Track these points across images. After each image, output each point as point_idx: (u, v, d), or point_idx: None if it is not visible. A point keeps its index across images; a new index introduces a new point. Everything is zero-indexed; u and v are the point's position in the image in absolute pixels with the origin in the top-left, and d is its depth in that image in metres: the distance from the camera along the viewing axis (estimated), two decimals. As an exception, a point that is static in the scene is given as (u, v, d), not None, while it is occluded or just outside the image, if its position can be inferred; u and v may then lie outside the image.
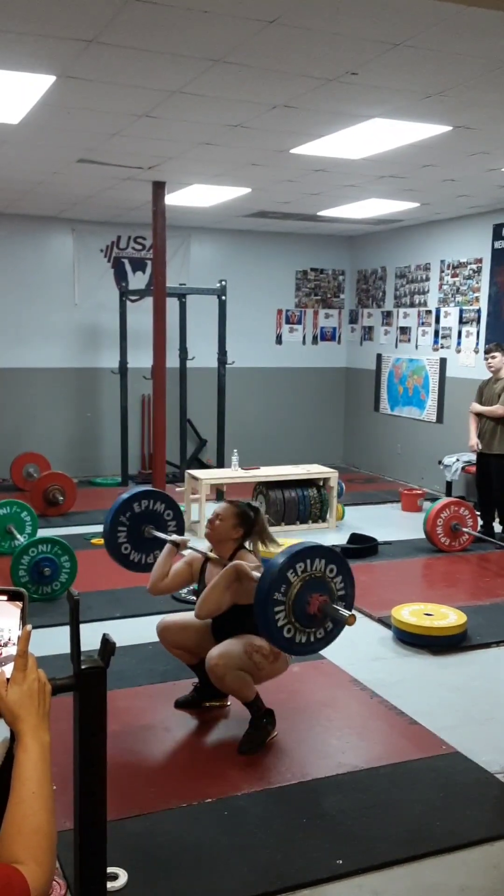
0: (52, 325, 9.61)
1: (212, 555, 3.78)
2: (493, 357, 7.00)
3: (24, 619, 1.41)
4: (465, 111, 4.70)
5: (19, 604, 1.42)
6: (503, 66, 3.92)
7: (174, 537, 4.01)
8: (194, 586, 5.47)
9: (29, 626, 1.38)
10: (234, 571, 3.52)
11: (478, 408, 7.11)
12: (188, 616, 3.87)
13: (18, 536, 6.34)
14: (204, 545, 3.91)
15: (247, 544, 3.78)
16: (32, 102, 4.63)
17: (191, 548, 3.94)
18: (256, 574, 3.37)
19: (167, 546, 3.95)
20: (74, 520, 7.71)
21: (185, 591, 5.60)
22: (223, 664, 3.52)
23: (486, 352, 7.15)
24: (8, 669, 1.37)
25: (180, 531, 4.30)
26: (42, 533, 6.37)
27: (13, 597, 1.42)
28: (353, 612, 3.19)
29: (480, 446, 7.07)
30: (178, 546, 3.94)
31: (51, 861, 1.21)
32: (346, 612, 3.14)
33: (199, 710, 3.97)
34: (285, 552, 3.20)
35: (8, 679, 1.35)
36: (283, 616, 3.15)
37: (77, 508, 8.02)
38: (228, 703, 4.00)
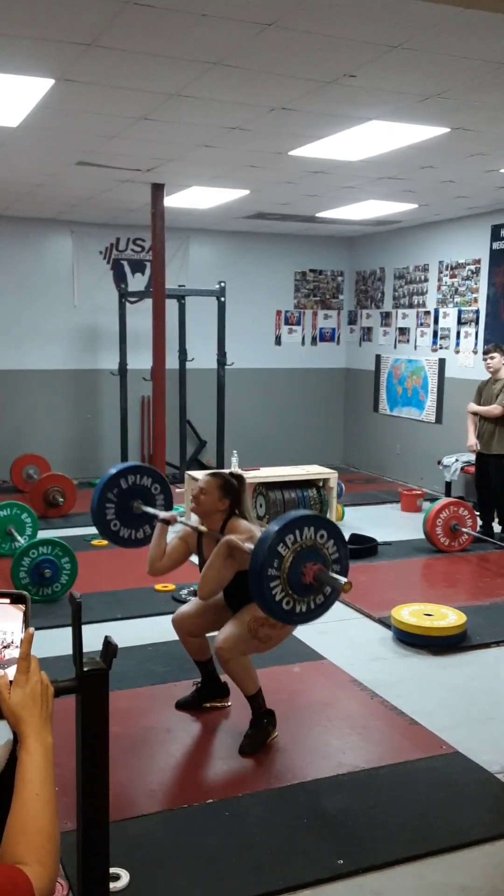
0: (52, 326, 9.62)
1: (203, 528, 3.74)
2: (492, 357, 7.01)
3: (26, 623, 1.42)
4: (463, 113, 4.71)
5: (22, 607, 1.43)
6: (501, 67, 3.93)
7: (163, 514, 3.96)
8: (194, 587, 5.51)
9: (32, 630, 1.39)
10: (225, 548, 3.49)
11: (474, 407, 7.12)
12: (200, 602, 3.87)
13: (19, 538, 6.35)
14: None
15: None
16: (31, 105, 4.64)
17: (181, 522, 3.91)
18: (249, 545, 3.33)
19: (158, 525, 3.90)
20: (75, 521, 7.71)
21: (184, 592, 5.61)
22: (227, 648, 3.54)
23: (485, 352, 7.16)
24: (11, 672, 1.38)
25: (168, 505, 4.26)
26: (42, 534, 6.38)
27: (16, 600, 1.43)
28: (349, 579, 3.16)
29: (479, 446, 7.08)
30: (169, 522, 3.89)
31: (55, 862, 1.22)
32: (341, 579, 3.12)
33: (199, 710, 3.98)
34: (274, 525, 3.16)
35: (11, 681, 1.36)
36: (279, 590, 3.13)
37: (77, 510, 8.02)
38: (229, 704, 4.01)
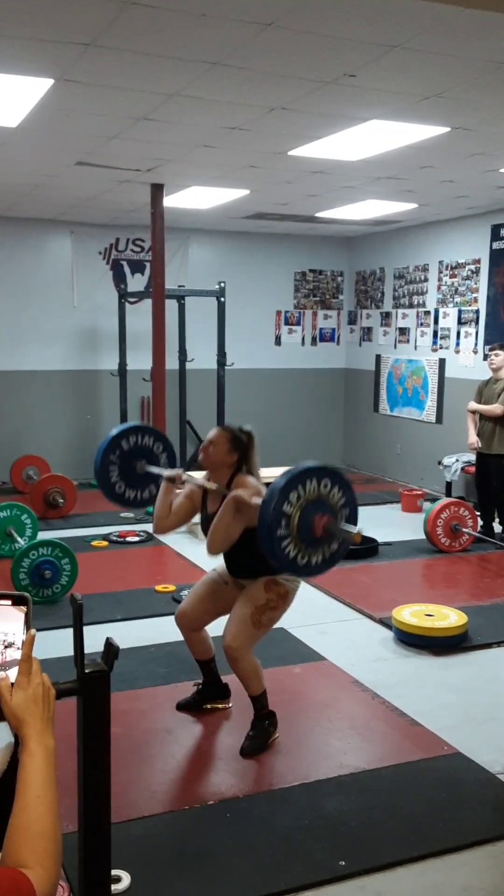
0: (52, 327, 9.61)
1: (210, 485, 3.69)
2: (497, 355, 6.98)
3: (28, 624, 1.42)
4: (462, 112, 4.70)
5: (23, 608, 1.42)
6: (501, 67, 3.93)
7: (168, 472, 3.92)
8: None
9: (33, 631, 1.39)
10: (233, 504, 3.46)
11: (475, 406, 7.10)
12: (197, 589, 3.86)
13: (19, 539, 6.34)
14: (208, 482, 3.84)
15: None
16: (31, 106, 4.63)
17: (188, 479, 3.87)
18: (257, 500, 3.30)
19: (163, 483, 3.87)
20: (75, 522, 7.71)
21: (185, 593, 5.60)
22: (236, 647, 3.54)
23: (490, 349, 7.14)
24: (12, 674, 1.37)
25: (172, 464, 4.24)
26: (42, 535, 6.38)
27: (17, 602, 1.43)
28: (359, 530, 3.15)
29: (480, 444, 7.05)
30: (174, 480, 3.86)
31: (56, 865, 1.21)
32: (352, 529, 3.11)
33: (200, 712, 3.98)
34: (274, 486, 3.12)
35: (12, 684, 1.35)
36: (291, 548, 3.11)
37: (77, 511, 8.03)
38: (230, 705, 4.00)
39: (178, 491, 3.88)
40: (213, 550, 3.56)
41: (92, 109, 4.74)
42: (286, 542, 3.09)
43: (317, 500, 3.14)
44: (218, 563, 3.87)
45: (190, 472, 3.99)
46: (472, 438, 7.08)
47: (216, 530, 3.51)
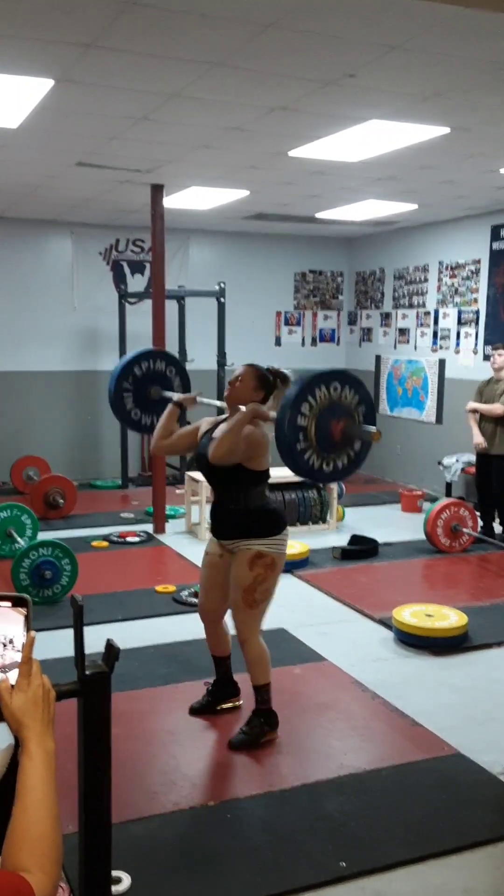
0: (52, 328, 9.61)
1: (223, 404, 3.68)
2: (501, 355, 6.96)
3: (28, 626, 1.41)
4: (463, 113, 4.70)
5: (23, 610, 1.42)
6: (501, 67, 3.92)
7: (180, 396, 3.89)
8: (194, 589, 5.50)
9: (33, 633, 1.39)
10: (252, 411, 3.39)
11: (474, 405, 7.07)
12: (203, 581, 3.86)
13: (19, 540, 6.34)
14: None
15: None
16: (31, 106, 4.63)
17: (203, 402, 3.83)
18: (273, 413, 3.28)
19: (169, 406, 3.87)
20: (75, 522, 7.71)
21: (185, 593, 5.60)
22: (242, 630, 3.61)
23: (494, 348, 7.11)
24: (12, 676, 1.37)
25: (186, 388, 4.23)
26: (43, 536, 6.38)
27: (17, 603, 1.43)
28: (376, 429, 3.16)
29: (486, 444, 7.00)
30: (182, 405, 3.85)
31: (56, 869, 1.21)
32: (371, 429, 3.12)
33: (210, 714, 3.95)
34: (285, 400, 3.13)
35: (12, 686, 1.35)
36: (314, 458, 3.11)
37: (77, 511, 8.02)
38: (241, 702, 3.99)
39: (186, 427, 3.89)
40: (215, 455, 3.46)
41: (92, 110, 4.73)
42: (308, 454, 3.09)
43: (330, 406, 3.13)
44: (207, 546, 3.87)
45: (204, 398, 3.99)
46: (478, 438, 7.03)
47: (226, 436, 3.42)
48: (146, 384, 4.20)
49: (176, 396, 3.92)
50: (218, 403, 3.71)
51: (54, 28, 3.48)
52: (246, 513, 3.56)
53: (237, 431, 3.41)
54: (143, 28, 3.46)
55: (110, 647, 1.70)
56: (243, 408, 3.47)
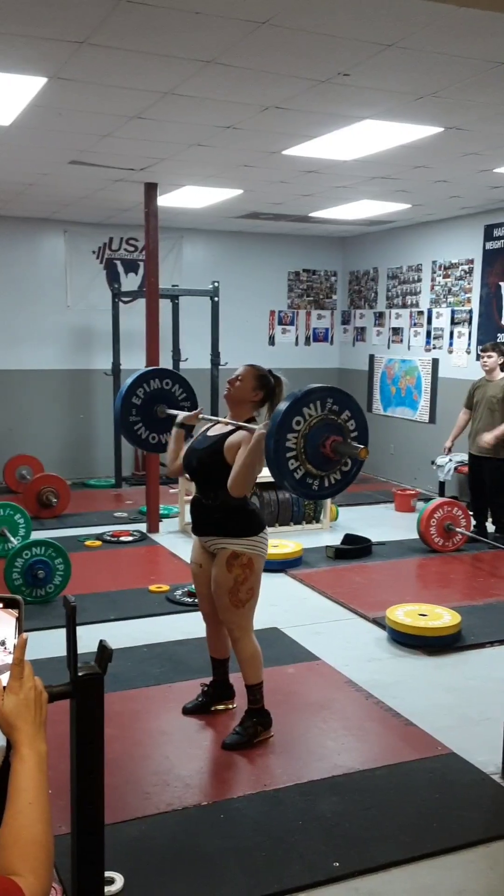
0: (45, 326, 9.58)
1: (224, 420, 3.67)
2: (490, 357, 6.97)
3: (20, 628, 1.40)
4: (457, 112, 4.70)
5: (15, 612, 1.41)
6: (496, 66, 3.92)
7: (182, 416, 3.92)
8: (188, 588, 5.49)
9: (25, 635, 1.37)
10: (262, 437, 3.31)
11: (489, 438, 6.81)
12: (196, 589, 3.85)
13: (12, 539, 6.32)
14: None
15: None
16: (24, 104, 4.61)
17: (204, 418, 3.86)
18: None
19: (174, 429, 3.90)
20: (68, 522, 7.69)
21: (179, 593, 5.59)
22: (233, 629, 3.62)
23: (483, 350, 7.11)
24: (4, 678, 1.36)
25: (193, 406, 4.26)
26: (36, 535, 6.36)
27: (9, 604, 1.41)
28: (364, 447, 3.17)
29: (451, 446, 7.31)
30: (183, 425, 3.87)
31: (48, 872, 1.20)
32: (357, 446, 3.14)
33: (203, 714, 3.94)
34: (276, 413, 3.15)
35: (4, 688, 1.34)
36: (301, 471, 3.14)
37: (71, 510, 8.01)
38: (234, 706, 3.98)
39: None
40: (237, 490, 3.42)
41: (85, 108, 4.72)
42: (295, 465, 3.11)
43: (322, 422, 3.15)
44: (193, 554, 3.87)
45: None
46: (449, 443, 7.40)
47: (245, 472, 3.38)
48: (152, 403, 4.26)
49: (179, 416, 3.93)
50: (221, 420, 3.72)
51: (47, 25, 3.47)
52: (224, 511, 3.55)
53: (253, 464, 3.38)
54: (136, 25, 3.45)
55: (103, 648, 1.69)
56: (249, 426, 3.47)
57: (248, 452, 3.36)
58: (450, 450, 7.42)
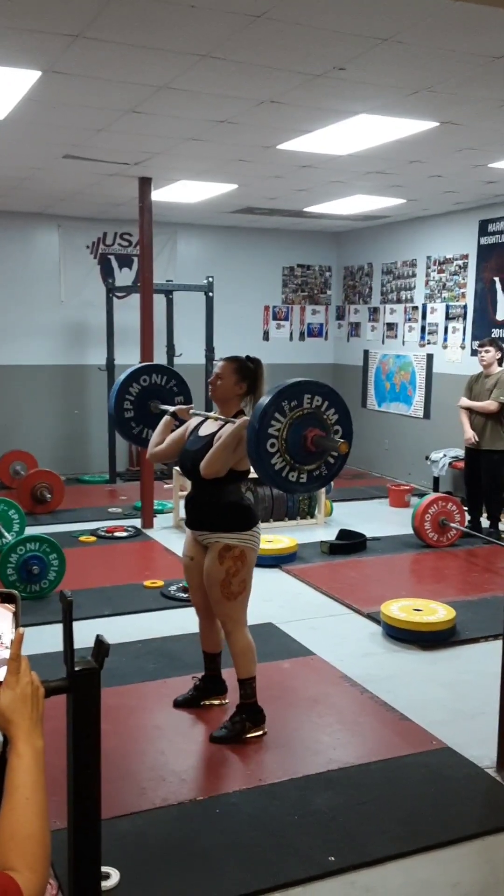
0: (39, 322, 9.56)
1: (213, 416, 3.68)
2: (487, 351, 6.97)
3: (16, 622, 1.40)
4: (452, 107, 4.70)
5: (11, 607, 1.40)
6: (491, 61, 3.92)
7: (173, 408, 3.94)
8: (183, 584, 5.49)
9: (21, 630, 1.37)
10: (243, 424, 3.37)
11: (468, 402, 7.06)
12: (188, 582, 3.86)
13: (6, 534, 6.31)
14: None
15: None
16: (17, 98, 4.59)
17: (195, 413, 3.87)
18: None
19: (165, 417, 3.92)
20: (62, 517, 7.68)
21: (173, 588, 5.59)
22: (225, 622, 3.64)
23: (480, 345, 7.12)
24: (0, 673, 1.35)
25: (187, 401, 4.28)
26: (30, 531, 6.35)
27: (5, 599, 1.41)
28: (344, 441, 3.17)
29: (477, 439, 7.01)
30: (176, 415, 3.88)
31: (45, 868, 1.20)
32: (337, 440, 3.15)
33: (194, 708, 3.95)
34: (259, 405, 3.15)
35: (0, 683, 1.33)
36: (282, 464, 3.13)
37: (65, 506, 8.00)
38: (226, 701, 3.98)
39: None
40: (208, 472, 3.48)
41: (79, 102, 4.70)
42: (275, 458, 3.11)
43: (305, 416, 3.15)
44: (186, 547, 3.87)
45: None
46: (469, 433, 7.02)
47: (219, 454, 3.44)
48: (146, 398, 4.26)
49: (171, 409, 3.95)
50: (211, 415, 3.72)
51: (41, 18, 3.45)
52: (219, 507, 3.57)
53: (229, 447, 3.43)
54: (130, 19, 3.43)
55: (100, 643, 1.68)
56: (235, 419, 3.47)
57: (227, 435, 3.43)
58: (476, 441, 7.14)
